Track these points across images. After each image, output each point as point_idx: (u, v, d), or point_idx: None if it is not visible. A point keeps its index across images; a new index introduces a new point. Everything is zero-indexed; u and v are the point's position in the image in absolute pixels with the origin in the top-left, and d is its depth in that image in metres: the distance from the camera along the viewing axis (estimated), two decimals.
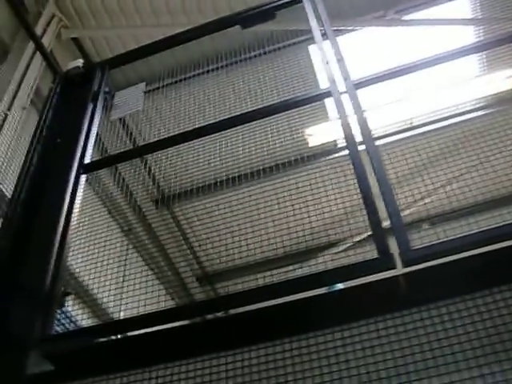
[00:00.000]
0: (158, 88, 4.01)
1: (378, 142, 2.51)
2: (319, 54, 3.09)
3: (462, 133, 3.08)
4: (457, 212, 5.14)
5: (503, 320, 1.82)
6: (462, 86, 4.92)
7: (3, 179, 3.14)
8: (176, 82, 4.07)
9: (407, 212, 3.44)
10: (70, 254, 2.68)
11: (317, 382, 1.85)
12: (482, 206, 5.38)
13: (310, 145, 4.74)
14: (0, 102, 4.74)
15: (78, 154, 3.08)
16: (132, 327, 2.29)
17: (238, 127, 3.14)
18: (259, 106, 3.16)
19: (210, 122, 3.25)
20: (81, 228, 2.92)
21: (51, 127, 3.31)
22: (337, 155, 4.45)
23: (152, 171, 4.64)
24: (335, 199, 2.56)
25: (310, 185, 2.68)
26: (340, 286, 2.15)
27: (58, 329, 2.48)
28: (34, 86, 5.27)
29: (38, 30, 5.63)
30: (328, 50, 3.09)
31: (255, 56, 3.89)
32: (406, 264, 2.00)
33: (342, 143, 2.65)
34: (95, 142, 3.26)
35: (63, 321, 2.71)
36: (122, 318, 2.55)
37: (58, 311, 2.52)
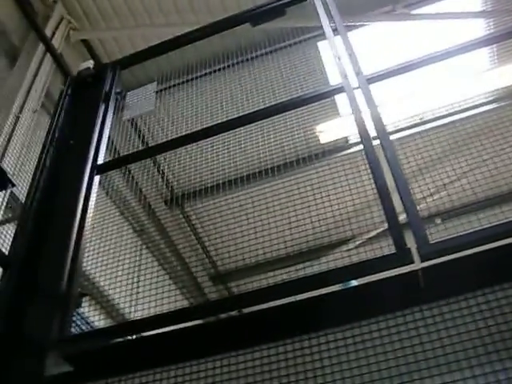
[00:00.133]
0: (170, 87, 4.00)
1: (391, 137, 2.50)
2: (330, 49, 3.07)
3: (476, 126, 3.04)
4: (469, 206, 5.12)
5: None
6: (473, 80, 4.88)
7: (16, 182, 3.16)
8: (187, 80, 4.06)
9: (419, 207, 3.42)
10: (85, 255, 2.69)
11: (337, 378, 1.84)
12: (492, 200, 5.33)
13: (321, 142, 4.72)
14: (12, 104, 4.75)
15: (91, 155, 3.09)
16: (147, 327, 2.30)
17: (252, 124, 3.12)
18: (271, 103, 3.15)
19: (220, 121, 3.24)
20: (95, 229, 2.93)
21: (63, 129, 3.32)
22: (350, 151, 4.42)
23: (163, 171, 4.63)
24: (351, 194, 2.55)
25: (324, 181, 2.66)
26: (354, 282, 2.14)
27: (73, 330, 2.48)
28: (44, 89, 5.29)
29: (47, 34, 5.63)
30: (339, 46, 3.08)
31: (266, 54, 3.88)
32: (423, 258, 1.99)
33: (354, 139, 2.64)
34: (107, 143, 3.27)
35: (78, 322, 2.71)
36: (136, 318, 2.55)
37: (74, 313, 2.53)
